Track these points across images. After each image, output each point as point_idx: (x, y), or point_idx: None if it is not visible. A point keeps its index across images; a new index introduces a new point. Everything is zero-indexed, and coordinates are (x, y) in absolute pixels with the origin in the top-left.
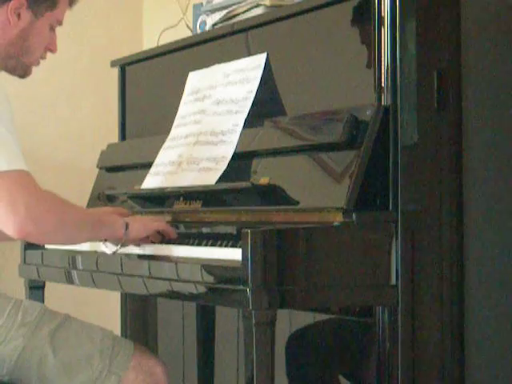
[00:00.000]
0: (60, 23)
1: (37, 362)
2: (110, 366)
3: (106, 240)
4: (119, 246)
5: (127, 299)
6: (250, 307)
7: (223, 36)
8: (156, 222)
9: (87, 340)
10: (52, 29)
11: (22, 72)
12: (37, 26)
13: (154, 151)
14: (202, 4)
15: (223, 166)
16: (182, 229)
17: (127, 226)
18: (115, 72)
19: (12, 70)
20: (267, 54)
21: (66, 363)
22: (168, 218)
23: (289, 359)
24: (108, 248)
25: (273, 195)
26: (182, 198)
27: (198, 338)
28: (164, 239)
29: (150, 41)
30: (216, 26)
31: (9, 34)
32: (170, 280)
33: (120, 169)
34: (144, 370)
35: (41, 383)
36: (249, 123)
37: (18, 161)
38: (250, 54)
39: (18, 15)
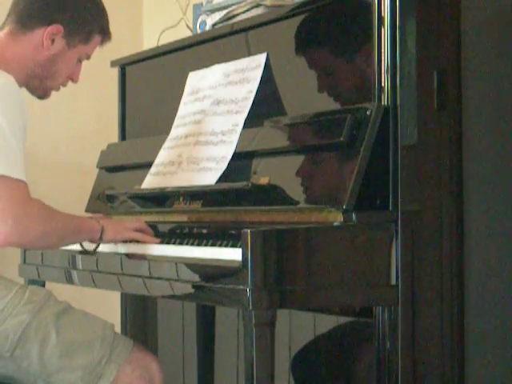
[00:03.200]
0: (88, 57)
1: (39, 340)
2: (110, 354)
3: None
4: (95, 246)
5: (127, 299)
6: (250, 307)
7: (223, 36)
8: (131, 231)
9: (90, 327)
10: (79, 60)
11: (42, 93)
12: (67, 54)
13: (154, 151)
14: (201, 4)
15: (223, 166)
16: (182, 229)
17: (103, 230)
18: (115, 72)
19: (33, 90)
20: (267, 54)
21: (67, 345)
22: (168, 218)
23: (289, 359)
24: (84, 247)
25: (273, 195)
26: (181, 198)
27: (198, 337)
28: (163, 240)
29: (150, 41)
30: (216, 26)
31: (39, 55)
32: (169, 280)
33: (120, 169)
34: (140, 365)
35: (41, 363)
36: (249, 123)
37: (17, 169)
38: (250, 54)
39: (53, 40)
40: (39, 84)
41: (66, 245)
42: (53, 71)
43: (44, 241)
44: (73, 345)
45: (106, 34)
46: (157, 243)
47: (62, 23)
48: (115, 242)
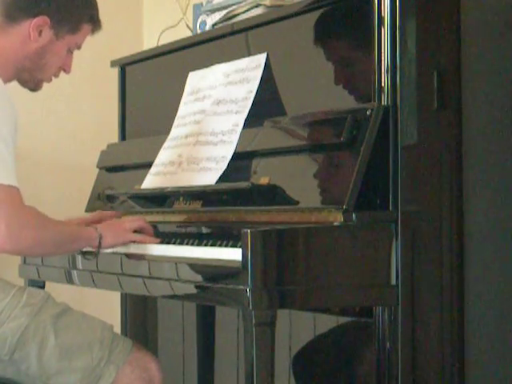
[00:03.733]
0: (79, 47)
1: (38, 343)
2: (109, 355)
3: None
4: (95, 254)
5: (127, 299)
6: (250, 307)
7: (223, 36)
8: (131, 234)
9: (88, 329)
10: (70, 51)
11: (33, 86)
12: (55, 46)
13: (154, 151)
14: (201, 4)
15: (223, 166)
16: (182, 229)
17: (101, 237)
18: (115, 72)
19: (24, 83)
20: (267, 54)
21: (66, 347)
22: (168, 218)
23: (289, 359)
24: (85, 255)
25: (273, 195)
26: (181, 198)
27: (198, 338)
28: (163, 240)
29: (150, 41)
30: (216, 26)
31: (27, 48)
32: (169, 280)
33: (120, 169)
34: (140, 366)
35: (40, 365)
36: (249, 123)
37: (8, 175)
38: (250, 54)
39: (40, 32)
40: (29, 77)
41: (65, 253)
42: (42, 63)
43: (39, 248)
44: (71, 347)
45: (95, 23)
46: (157, 243)
47: (48, 14)
48: (115, 246)
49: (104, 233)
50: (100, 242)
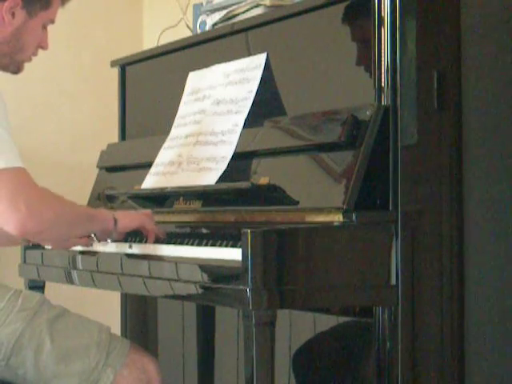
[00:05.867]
0: (52, 22)
1: (34, 348)
2: (106, 358)
3: (94, 234)
4: (109, 240)
5: (127, 299)
6: (250, 307)
7: (223, 36)
8: (142, 218)
9: (85, 332)
10: (44, 27)
11: (15, 69)
12: (30, 25)
13: (154, 151)
14: (201, 4)
15: (223, 166)
16: (182, 229)
17: (116, 220)
18: (115, 72)
19: (5, 67)
20: (267, 54)
21: (63, 351)
22: (168, 218)
23: (289, 359)
24: (96, 241)
25: (273, 195)
26: (182, 198)
27: (198, 337)
28: (163, 240)
29: (150, 41)
30: (216, 26)
31: (3, 32)
32: (169, 280)
33: (120, 169)
34: (138, 367)
35: (37, 370)
36: (249, 123)
37: (14, 158)
38: (250, 54)
39: (13, 14)
40: (10, 61)
41: (81, 234)
42: (20, 45)
43: (58, 228)
44: (68, 351)
45: None
46: (159, 241)
47: None
48: (129, 229)
49: (119, 216)
50: (115, 224)
